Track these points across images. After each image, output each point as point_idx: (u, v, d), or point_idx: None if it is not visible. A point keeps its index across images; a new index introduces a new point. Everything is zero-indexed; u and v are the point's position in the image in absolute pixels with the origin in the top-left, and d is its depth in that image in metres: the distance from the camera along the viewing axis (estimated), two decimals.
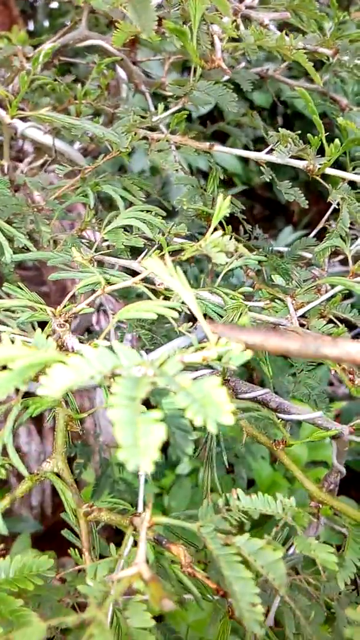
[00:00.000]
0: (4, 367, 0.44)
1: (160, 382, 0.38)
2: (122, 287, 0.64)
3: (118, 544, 0.54)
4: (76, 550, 0.63)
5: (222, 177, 0.94)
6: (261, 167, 0.84)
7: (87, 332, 1.12)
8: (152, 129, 0.89)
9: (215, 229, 0.56)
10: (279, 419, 0.84)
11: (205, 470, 0.76)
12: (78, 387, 0.39)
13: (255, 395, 0.84)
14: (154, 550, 0.53)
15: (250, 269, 0.87)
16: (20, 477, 0.58)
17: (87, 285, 0.67)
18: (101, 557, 0.59)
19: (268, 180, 0.82)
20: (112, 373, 0.40)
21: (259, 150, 0.83)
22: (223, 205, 0.58)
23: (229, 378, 0.82)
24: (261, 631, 0.41)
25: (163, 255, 0.60)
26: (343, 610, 0.76)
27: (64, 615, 0.88)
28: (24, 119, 0.94)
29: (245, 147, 1.19)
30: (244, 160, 2.51)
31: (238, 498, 0.53)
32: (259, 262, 0.82)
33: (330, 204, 0.83)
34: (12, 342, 0.47)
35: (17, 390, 0.47)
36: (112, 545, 0.55)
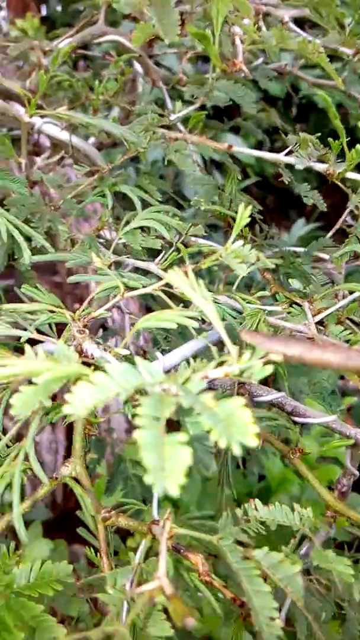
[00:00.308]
0: (29, 382, 0.44)
1: (185, 402, 0.38)
2: (142, 293, 0.64)
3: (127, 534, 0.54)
4: (91, 549, 0.65)
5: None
6: (279, 169, 0.83)
7: (102, 329, 1.13)
8: (169, 127, 0.88)
9: (236, 238, 0.56)
10: (294, 422, 0.84)
11: (220, 467, 0.77)
12: (103, 404, 0.39)
13: (271, 398, 0.84)
14: (171, 557, 0.54)
15: (266, 270, 0.86)
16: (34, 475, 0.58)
17: (106, 289, 0.67)
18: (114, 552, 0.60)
19: (286, 182, 0.82)
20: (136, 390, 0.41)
21: (275, 141, 0.83)
22: (244, 215, 0.58)
23: (244, 382, 0.82)
24: None
25: (183, 263, 0.60)
26: (355, 612, 0.76)
27: (77, 605, 0.90)
28: (42, 116, 0.94)
29: (260, 144, 1.18)
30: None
31: (256, 508, 0.53)
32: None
33: (346, 198, 0.82)
34: (36, 354, 0.47)
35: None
36: (129, 552, 0.55)
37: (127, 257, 0.81)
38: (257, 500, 0.54)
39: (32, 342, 0.60)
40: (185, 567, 0.54)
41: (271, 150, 0.87)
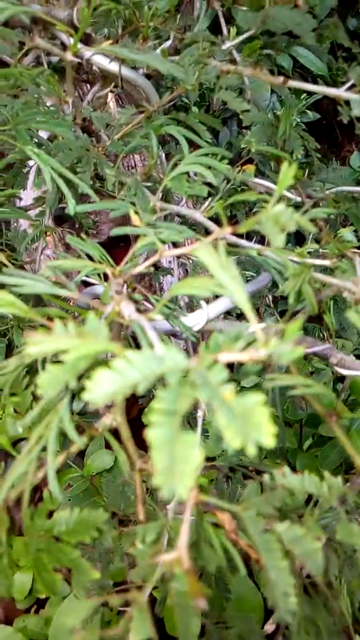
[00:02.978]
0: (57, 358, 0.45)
1: (203, 395, 0.38)
2: (181, 253, 0.62)
3: None
4: None
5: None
6: (339, 106, 0.76)
7: (155, 268, 1.13)
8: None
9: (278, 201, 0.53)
10: (338, 374, 0.83)
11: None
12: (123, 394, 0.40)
13: (316, 350, 0.83)
14: (197, 513, 0.56)
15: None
16: None
17: (145, 246, 0.66)
18: None
19: (345, 122, 0.75)
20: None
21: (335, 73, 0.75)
22: (288, 174, 0.54)
23: None
24: (292, 619, 0.44)
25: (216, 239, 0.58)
26: None
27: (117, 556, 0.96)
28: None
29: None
30: (333, 54, 2.28)
31: (284, 475, 0.54)
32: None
33: None
34: (66, 328, 0.48)
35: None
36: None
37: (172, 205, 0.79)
38: (286, 467, 0.55)
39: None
40: (211, 523, 0.56)
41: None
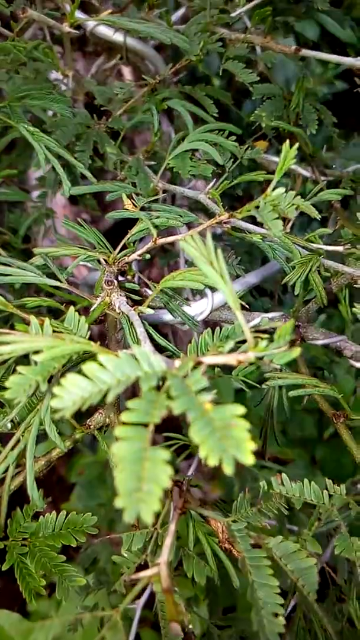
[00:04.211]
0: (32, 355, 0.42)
1: (179, 405, 0.34)
2: (176, 240, 0.58)
3: None
4: None
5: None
6: (356, 77, 0.70)
7: (163, 251, 1.08)
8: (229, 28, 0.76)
9: (276, 186, 0.48)
10: (352, 366, 0.78)
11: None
12: (93, 401, 0.36)
13: (328, 342, 0.78)
14: (192, 521, 0.53)
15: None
16: None
17: (140, 231, 0.62)
18: None
19: None
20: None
21: None
22: (289, 155, 0.49)
23: (299, 324, 0.76)
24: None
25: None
26: None
27: None
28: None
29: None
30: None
31: (282, 483, 0.50)
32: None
33: None
34: (42, 326, 0.44)
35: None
36: None
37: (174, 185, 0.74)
38: (284, 474, 0.51)
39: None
40: (205, 532, 0.53)
41: None
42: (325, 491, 0.51)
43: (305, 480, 0.51)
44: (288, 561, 0.43)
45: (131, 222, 0.65)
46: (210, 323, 0.78)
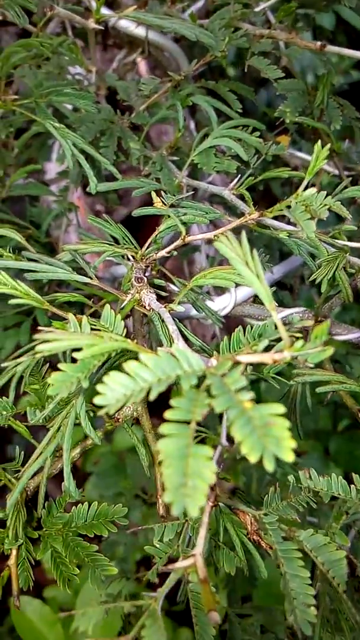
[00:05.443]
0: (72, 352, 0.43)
1: (218, 404, 0.35)
2: (204, 238, 0.59)
3: None
4: None
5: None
6: None
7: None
8: (253, 23, 0.76)
9: (308, 186, 0.49)
10: None
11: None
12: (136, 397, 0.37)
13: (352, 338, 0.78)
14: (222, 513, 0.54)
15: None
16: None
17: (168, 228, 0.63)
18: None
19: None
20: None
21: None
22: (321, 155, 0.50)
23: (321, 319, 0.76)
24: (311, 632, 0.42)
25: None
26: None
27: None
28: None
29: None
30: None
31: (310, 477, 0.52)
32: None
33: None
34: (80, 324, 0.45)
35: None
36: None
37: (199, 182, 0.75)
38: (312, 469, 0.52)
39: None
40: (233, 522, 0.54)
41: None
42: (353, 486, 0.52)
43: (333, 475, 0.52)
44: (318, 553, 0.45)
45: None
46: (232, 317, 0.79)
